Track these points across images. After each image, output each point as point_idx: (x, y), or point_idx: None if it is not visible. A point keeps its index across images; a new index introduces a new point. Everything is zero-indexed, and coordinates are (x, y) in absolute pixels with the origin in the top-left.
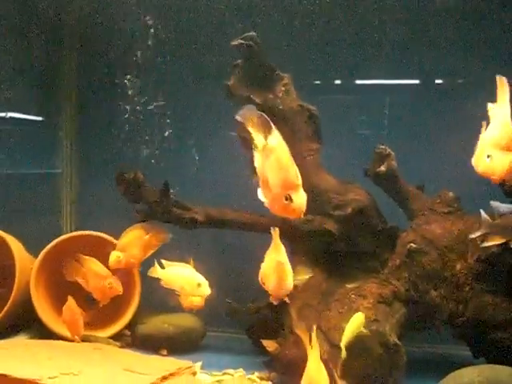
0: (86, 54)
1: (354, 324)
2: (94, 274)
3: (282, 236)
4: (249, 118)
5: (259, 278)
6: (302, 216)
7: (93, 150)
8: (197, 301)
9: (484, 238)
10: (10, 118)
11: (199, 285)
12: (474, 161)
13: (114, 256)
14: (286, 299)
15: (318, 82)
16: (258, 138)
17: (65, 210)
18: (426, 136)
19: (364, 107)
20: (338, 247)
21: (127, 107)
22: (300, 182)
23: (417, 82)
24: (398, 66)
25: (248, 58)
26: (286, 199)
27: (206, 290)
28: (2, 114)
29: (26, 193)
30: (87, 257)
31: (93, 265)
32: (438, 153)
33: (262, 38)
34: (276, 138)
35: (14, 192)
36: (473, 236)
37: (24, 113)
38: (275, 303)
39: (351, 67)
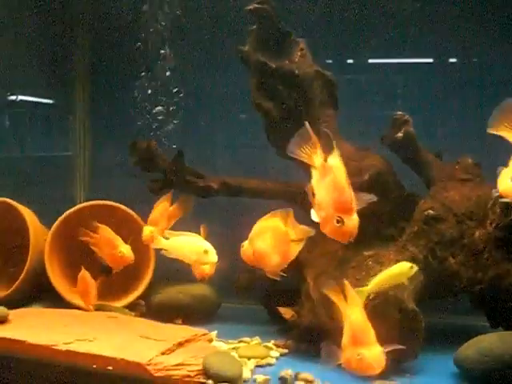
0: (98, 34)
1: (399, 269)
2: (107, 241)
3: (299, 204)
4: (307, 135)
5: (248, 257)
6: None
7: (106, 124)
8: (208, 269)
9: None
10: (21, 100)
11: (206, 252)
12: (498, 181)
13: (147, 231)
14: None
15: (329, 62)
16: (317, 156)
17: (78, 184)
18: (440, 115)
19: (377, 87)
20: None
21: (141, 88)
22: (354, 205)
23: (430, 60)
24: (411, 45)
25: (263, 23)
26: (338, 222)
27: (213, 257)
28: (13, 97)
29: (40, 167)
30: (100, 224)
31: (106, 233)
32: (451, 132)
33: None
34: (335, 158)
35: (28, 166)
36: (495, 194)
37: (36, 96)
38: (277, 279)
39: (362, 46)
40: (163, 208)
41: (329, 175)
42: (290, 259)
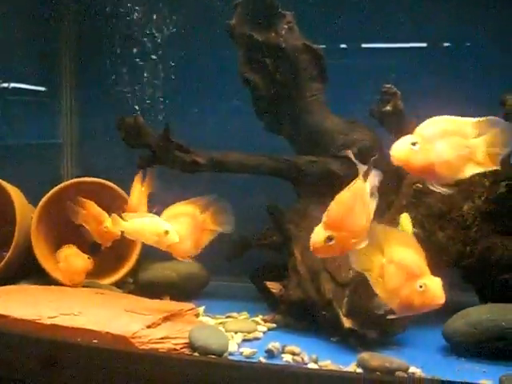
0: (84, 17)
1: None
2: (93, 217)
3: (288, 178)
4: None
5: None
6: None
7: (93, 103)
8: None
9: None
10: (13, 87)
11: (166, 232)
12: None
13: None
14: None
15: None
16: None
17: (65, 162)
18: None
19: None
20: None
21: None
22: (341, 224)
23: (424, 45)
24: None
25: None
26: (328, 238)
27: (174, 237)
28: (5, 85)
29: (27, 147)
30: (86, 200)
31: (91, 208)
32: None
33: None
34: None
35: (14, 146)
36: None
37: (25, 83)
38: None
39: (356, 30)
40: (138, 191)
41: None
42: (201, 247)
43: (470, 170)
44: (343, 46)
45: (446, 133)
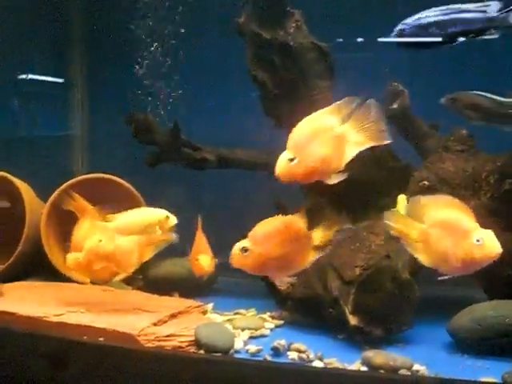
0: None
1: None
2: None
3: None
4: None
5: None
6: None
7: (104, 99)
8: (207, 265)
9: None
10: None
11: (167, 217)
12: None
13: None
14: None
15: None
16: None
17: (77, 158)
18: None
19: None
20: (349, 185)
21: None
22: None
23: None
24: None
25: None
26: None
27: (174, 218)
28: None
29: (39, 142)
30: (77, 196)
31: (80, 202)
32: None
33: None
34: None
35: (26, 141)
36: None
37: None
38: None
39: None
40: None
41: None
42: (145, 260)
43: (350, 153)
44: (357, 40)
45: (313, 133)
